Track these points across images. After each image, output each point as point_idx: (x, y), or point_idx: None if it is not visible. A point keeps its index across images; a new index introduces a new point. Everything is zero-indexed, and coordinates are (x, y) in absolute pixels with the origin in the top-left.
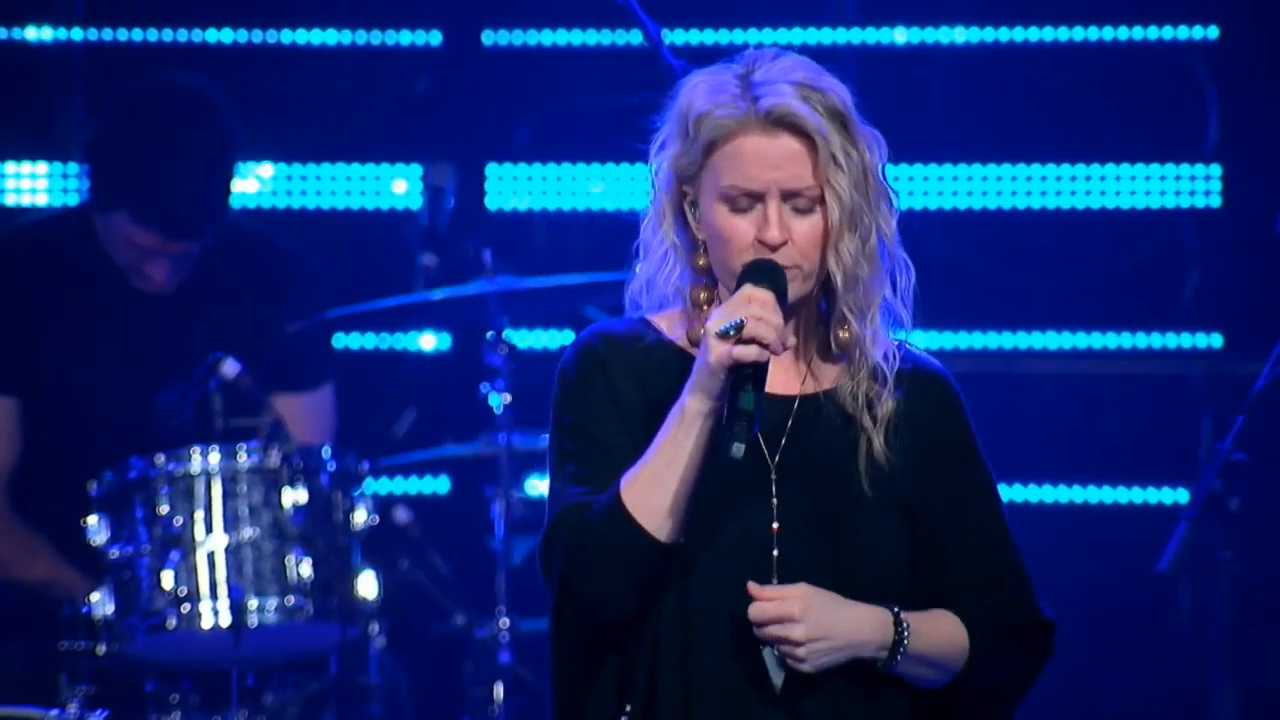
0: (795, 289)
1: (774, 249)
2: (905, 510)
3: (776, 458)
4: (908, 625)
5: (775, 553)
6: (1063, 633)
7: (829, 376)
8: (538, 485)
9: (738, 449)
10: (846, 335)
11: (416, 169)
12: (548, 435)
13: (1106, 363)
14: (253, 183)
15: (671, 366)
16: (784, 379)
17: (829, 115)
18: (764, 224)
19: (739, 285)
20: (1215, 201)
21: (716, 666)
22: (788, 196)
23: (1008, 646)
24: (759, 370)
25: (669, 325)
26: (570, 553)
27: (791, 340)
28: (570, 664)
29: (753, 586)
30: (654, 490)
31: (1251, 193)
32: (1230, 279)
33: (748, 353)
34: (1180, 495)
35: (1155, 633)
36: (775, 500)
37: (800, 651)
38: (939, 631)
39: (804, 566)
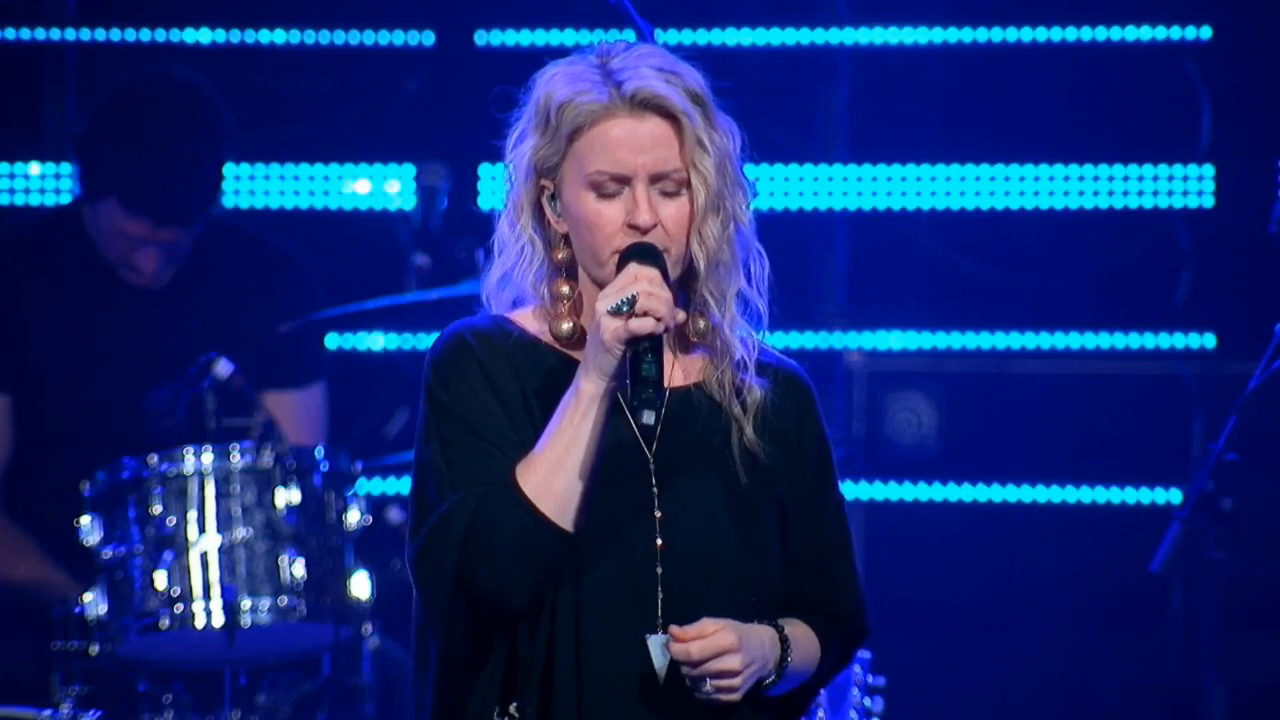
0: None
1: (645, 232)
2: (778, 502)
3: (654, 447)
4: (790, 643)
5: (659, 541)
6: (1054, 632)
7: (695, 369)
8: None
9: (648, 415)
10: (704, 323)
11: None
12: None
13: (1099, 363)
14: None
15: (541, 361)
16: None
17: (691, 99)
18: (634, 207)
19: (619, 268)
20: (1208, 202)
21: (607, 659)
22: (655, 180)
23: (842, 652)
24: (655, 343)
25: (528, 321)
26: (467, 545)
27: (681, 315)
28: (453, 661)
29: (674, 629)
30: (554, 476)
31: (1244, 193)
32: (1222, 279)
33: (643, 325)
34: (1173, 495)
35: (1147, 632)
36: (656, 490)
37: (738, 681)
38: (808, 645)
39: (687, 554)
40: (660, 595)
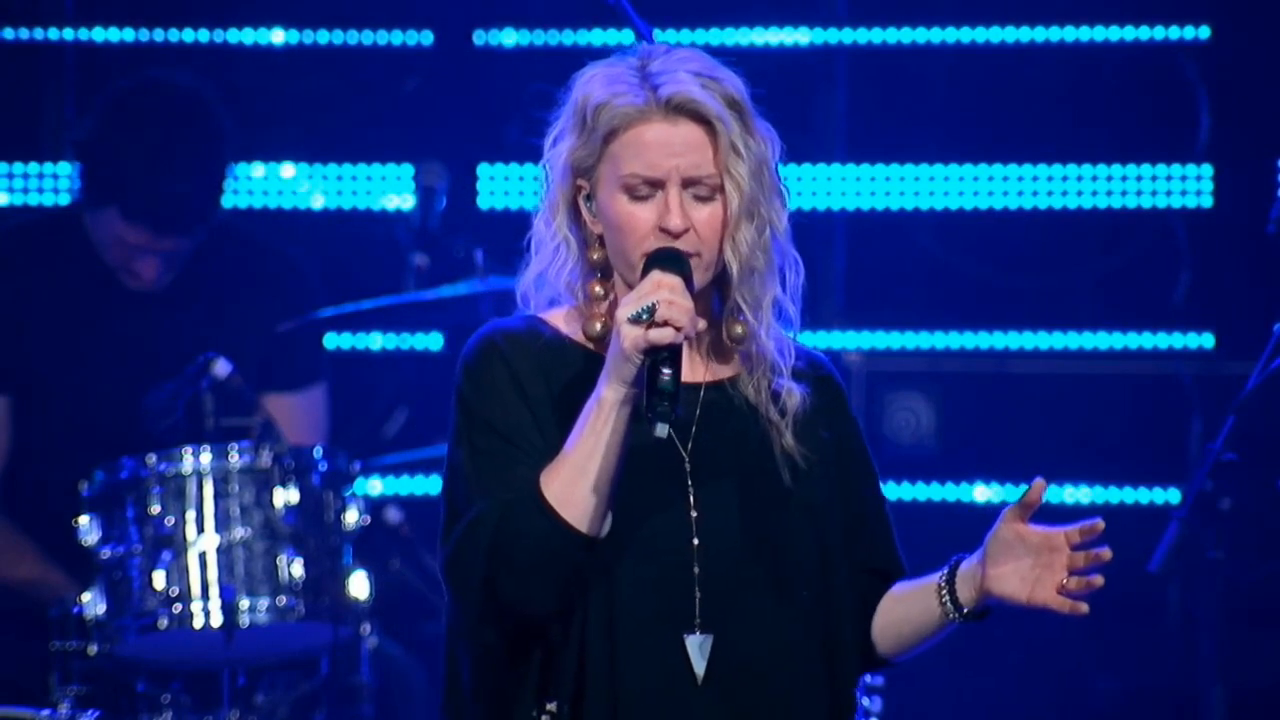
0: (695, 278)
1: (676, 236)
2: (815, 505)
3: (689, 445)
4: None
5: (695, 541)
6: (1053, 632)
7: (727, 370)
8: None
9: (661, 429)
10: (741, 329)
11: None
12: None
13: (1097, 363)
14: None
15: (572, 362)
16: (686, 369)
17: (728, 104)
18: (665, 211)
19: (644, 273)
20: (1206, 201)
21: (642, 659)
22: (688, 184)
23: None
24: (674, 352)
25: (561, 322)
26: (493, 552)
27: (701, 325)
28: (489, 666)
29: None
30: (576, 484)
31: (1242, 193)
32: (1221, 279)
33: (662, 335)
34: (1171, 495)
35: (1146, 632)
36: (691, 488)
37: None
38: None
39: (724, 554)
40: (698, 595)
